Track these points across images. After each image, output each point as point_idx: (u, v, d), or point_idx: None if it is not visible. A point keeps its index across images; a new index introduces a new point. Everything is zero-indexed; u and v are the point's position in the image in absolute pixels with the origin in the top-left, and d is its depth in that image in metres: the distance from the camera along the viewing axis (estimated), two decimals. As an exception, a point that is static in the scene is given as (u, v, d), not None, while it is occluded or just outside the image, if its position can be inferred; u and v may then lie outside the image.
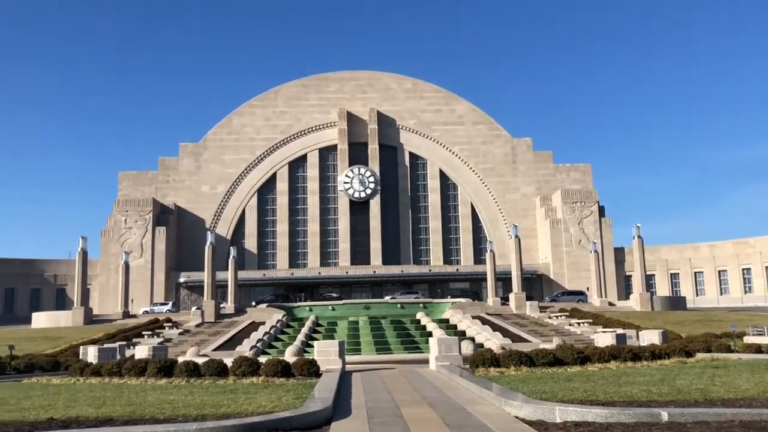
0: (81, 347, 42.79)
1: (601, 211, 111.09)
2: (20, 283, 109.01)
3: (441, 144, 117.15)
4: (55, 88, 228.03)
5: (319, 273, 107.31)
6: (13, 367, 33.03)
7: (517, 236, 79.23)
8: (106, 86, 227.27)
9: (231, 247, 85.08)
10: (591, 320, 58.67)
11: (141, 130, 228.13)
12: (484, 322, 56.76)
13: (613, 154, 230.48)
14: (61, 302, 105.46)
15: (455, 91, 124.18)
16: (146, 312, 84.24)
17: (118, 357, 34.84)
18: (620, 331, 42.83)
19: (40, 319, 76.75)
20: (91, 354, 35.71)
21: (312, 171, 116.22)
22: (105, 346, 39.51)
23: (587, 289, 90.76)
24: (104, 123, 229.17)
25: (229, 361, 26.05)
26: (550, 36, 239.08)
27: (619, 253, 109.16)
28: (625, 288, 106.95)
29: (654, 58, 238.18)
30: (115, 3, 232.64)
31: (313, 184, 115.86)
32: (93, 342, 48.51)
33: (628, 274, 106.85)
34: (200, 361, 26.64)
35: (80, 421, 14.62)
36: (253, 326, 58.61)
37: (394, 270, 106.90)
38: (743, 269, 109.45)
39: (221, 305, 74.15)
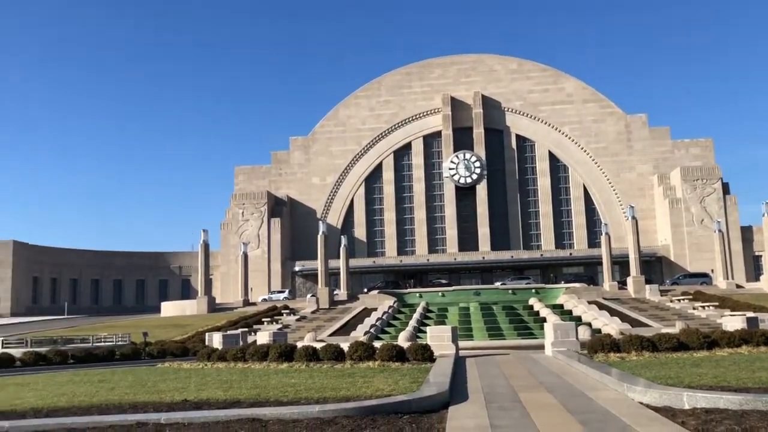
0: (206, 334, 45.21)
1: (725, 188, 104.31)
2: (149, 275, 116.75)
3: (549, 125, 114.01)
4: (174, 93, 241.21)
5: (428, 260, 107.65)
6: (147, 353, 35.47)
7: (633, 217, 76.02)
8: (221, 87, 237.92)
9: (342, 236, 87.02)
10: (717, 303, 55.48)
11: (254, 127, 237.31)
12: (601, 307, 55.03)
13: (737, 127, 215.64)
14: (186, 292, 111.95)
15: (563, 69, 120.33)
16: (265, 300, 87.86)
17: (241, 343, 36.54)
18: (751, 314, 40.22)
19: (168, 308, 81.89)
20: (216, 340, 37.66)
21: (417, 159, 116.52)
22: (228, 332, 41.56)
23: (711, 270, 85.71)
24: (220, 122, 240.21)
25: (345, 346, 26.70)
26: (662, 6, 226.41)
27: (747, 232, 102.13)
28: (754, 269, 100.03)
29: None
30: (223, 2, 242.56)
31: (418, 172, 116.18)
32: (217, 329, 51.13)
33: (757, 254, 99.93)
34: (318, 346, 27.47)
35: (211, 402, 15.50)
36: (366, 312, 59.83)
37: (504, 256, 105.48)
38: None
39: (334, 292, 76.11)
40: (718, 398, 12.97)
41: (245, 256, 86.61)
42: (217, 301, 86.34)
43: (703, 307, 54.87)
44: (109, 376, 23.45)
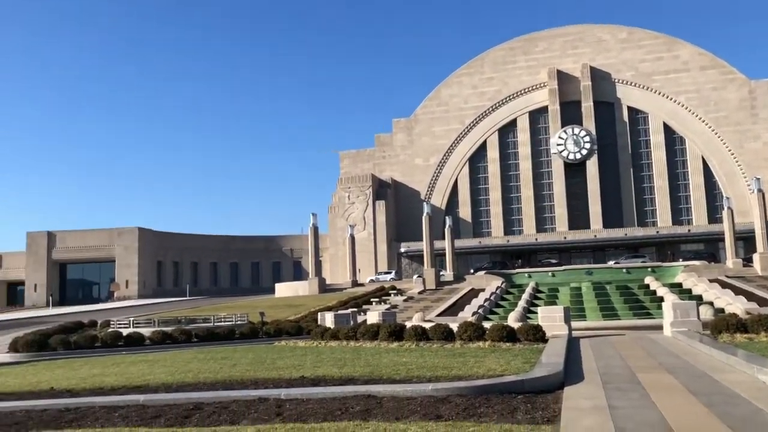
0: (319, 314, 46.60)
1: None
2: (263, 258, 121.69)
3: (663, 95, 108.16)
4: (281, 81, 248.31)
5: (536, 239, 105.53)
6: (264, 332, 37.03)
7: (760, 190, 70.99)
8: (324, 74, 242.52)
9: (446, 217, 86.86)
10: None
11: (358, 112, 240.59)
12: (724, 285, 51.98)
13: None
14: (298, 273, 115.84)
15: (676, 35, 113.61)
16: (372, 281, 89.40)
17: (351, 322, 37.42)
18: None
19: (282, 289, 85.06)
20: (328, 319, 38.76)
21: (522, 135, 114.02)
22: (339, 312, 42.63)
23: None
24: (325, 108, 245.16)
25: (454, 326, 26.72)
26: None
27: None
28: None
29: None
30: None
31: (524, 149, 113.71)
32: (328, 309, 52.56)
33: None
34: (427, 325, 27.66)
35: (327, 379, 16.01)
36: (473, 293, 59.50)
37: (617, 233, 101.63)
38: None
39: (441, 273, 76.20)
40: None
41: (352, 239, 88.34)
42: (327, 282, 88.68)
43: (842, 285, 50.63)
44: (231, 353, 24.69)
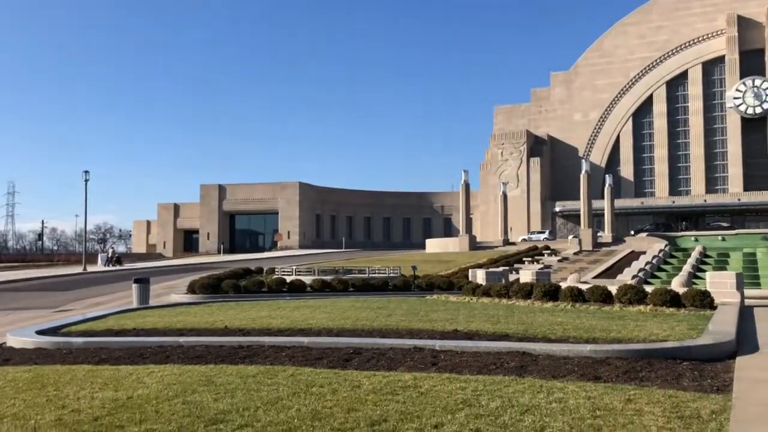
0: (470, 270, 46.62)
1: None
2: (414, 214, 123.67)
3: None
4: (434, 30, 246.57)
5: (705, 200, 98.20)
6: (416, 285, 37.82)
7: None
8: (480, 26, 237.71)
9: (606, 175, 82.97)
10: None
11: (514, 65, 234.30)
12: None
13: None
14: (448, 230, 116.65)
15: None
16: (524, 240, 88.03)
17: (504, 280, 37.13)
18: None
19: (432, 245, 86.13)
20: (479, 276, 38.72)
21: (694, 89, 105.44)
22: (490, 270, 42.41)
23: None
24: (481, 60, 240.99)
25: (613, 289, 25.71)
26: None
27: None
28: None
29: None
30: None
31: (695, 104, 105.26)
32: (479, 266, 52.49)
33: None
34: (583, 287, 26.85)
35: (480, 334, 16.08)
36: (633, 255, 56.87)
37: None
38: None
39: (598, 234, 73.41)
40: None
41: (504, 196, 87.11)
42: (478, 240, 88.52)
43: None
44: (386, 303, 25.50)
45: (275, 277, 39.36)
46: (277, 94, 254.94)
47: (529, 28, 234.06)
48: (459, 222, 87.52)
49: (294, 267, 43.22)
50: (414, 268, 42.58)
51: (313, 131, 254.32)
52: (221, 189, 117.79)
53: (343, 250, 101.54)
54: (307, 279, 37.26)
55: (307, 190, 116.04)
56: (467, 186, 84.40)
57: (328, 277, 37.36)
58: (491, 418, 8.24)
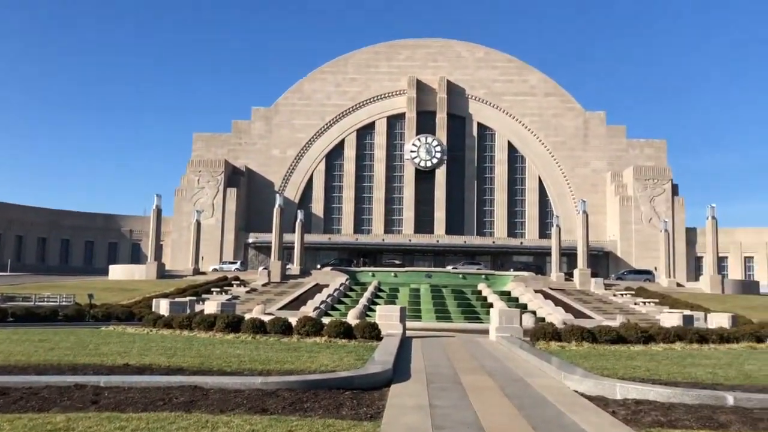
0: (154, 300, 44.67)
1: (674, 190, 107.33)
2: (99, 237, 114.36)
3: (511, 115, 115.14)
4: (138, 49, 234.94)
5: (383, 240, 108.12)
6: (91, 315, 34.93)
7: (584, 212, 77.61)
8: (184, 49, 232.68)
9: (298, 210, 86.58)
10: (657, 300, 57.27)
11: (217, 94, 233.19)
12: (547, 296, 56.22)
13: (690, 130, 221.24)
14: (136, 256, 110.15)
15: (528, 61, 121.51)
16: (215, 270, 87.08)
17: (189, 311, 36.28)
18: (687, 312, 41.69)
19: (116, 271, 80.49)
20: (163, 307, 37.31)
21: (380, 138, 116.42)
22: (176, 300, 41.17)
23: (655, 268, 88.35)
24: (182, 85, 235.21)
25: (293, 320, 26.78)
26: (626, 7, 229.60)
27: (691, 234, 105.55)
28: (695, 269, 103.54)
29: (735, 31, 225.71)
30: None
31: (380, 152, 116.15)
32: (165, 295, 50.55)
33: (699, 255, 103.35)
34: (266, 318, 27.49)
35: (153, 368, 15.43)
36: (317, 288, 59.84)
37: (458, 240, 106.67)
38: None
39: (287, 266, 75.88)
40: (649, 390, 13.52)
41: (198, 224, 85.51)
42: (167, 268, 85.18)
43: (645, 303, 56.56)
44: (50, 336, 23.05)
45: None
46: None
47: (237, 61, 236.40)
48: (149, 248, 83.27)
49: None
50: (90, 296, 39.30)
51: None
52: None
53: (7, 273, 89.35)
54: (-46, 307, 31.99)
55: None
56: (159, 211, 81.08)
57: (-19, 305, 32.52)
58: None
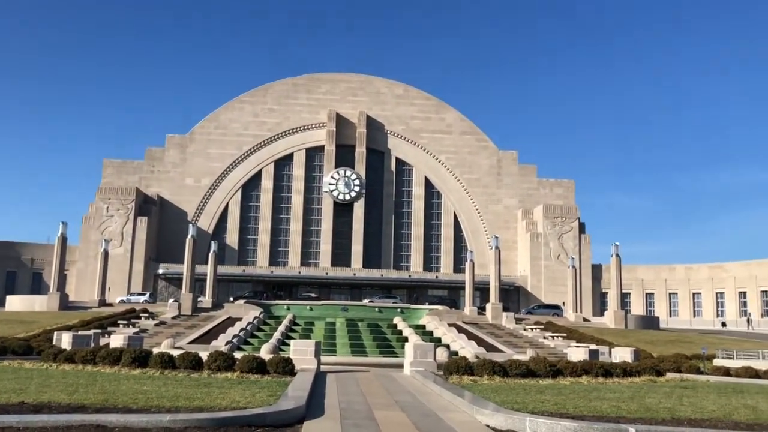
0: (55, 333, 42.42)
1: (581, 228, 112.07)
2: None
3: (428, 152, 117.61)
4: (41, 71, 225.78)
5: (299, 272, 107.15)
6: (-16, 349, 32.68)
7: (497, 247, 79.72)
8: (94, 73, 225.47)
9: (212, 241, 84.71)
10: (565, 334, 59.20)
11: (129, 120, 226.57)
12: (460, 330, 57.08)
13: (597, 171, 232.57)
14: (37, 287, 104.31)
15: (445, 99, 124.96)
16: (123, 301, 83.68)
17: (93, 345, 34.62)
18: (593, 346, 43.33)
19: (14, 302, 75.98)
20: (65, 340, 35.47)
21: (298, 170, 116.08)
22: (79, 333, 39.23)
23: (563, 303, 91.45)
24: (92, 109, 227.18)
25: (204, 355, 26.04)
26: (541, 49, 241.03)
27: (597, 270, 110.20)
28: (600, 305, 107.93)
29: (644, 78, 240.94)
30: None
31: (298, 184, 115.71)
32: (67, 328, 48.08)
33: (604, 291, 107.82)
34: (175, 353, 26.60)
35: (52, 406, 14.61)
36: (230, 322, 58.50)
37: (374, 274, 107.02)
38: (717, 293, 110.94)
39: (199, 299, 73.87)
40: (557, 425, 13.93)
41: (105, 254, 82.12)
42: (71, 299, 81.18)
43: (553, 336, 58.39)
44: (-64, 372, 21.44)
45: None
46: None
47: (152, 86, 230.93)
48: (51, 278, 79.08)
49: None
50: (-16, 329, 36.83)
51: None
52: None
53: None
54: None
55: None
56: (65, 239, 77.37)
57: None
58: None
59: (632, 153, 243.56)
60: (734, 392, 23.47)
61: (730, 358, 42.55)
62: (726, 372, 34.10)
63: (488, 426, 14.70)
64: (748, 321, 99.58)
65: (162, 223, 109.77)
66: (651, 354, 46.32)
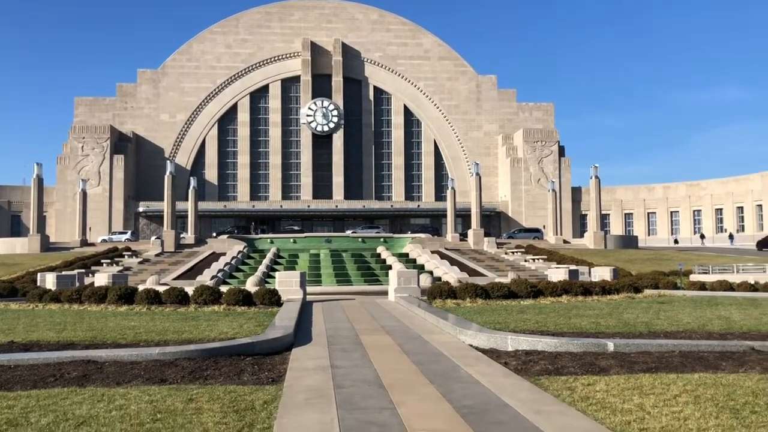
0: (38, 274, 42.44)
1: (561, 151, 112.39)
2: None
3: (406, 79, 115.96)
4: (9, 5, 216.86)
5: (281, 206, 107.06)
6: (-32, 293, 32.68)
7: (478, 174, 79.95)
8: (61, 7, 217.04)
9: (191, 178, 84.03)
10: (546, 256, 60.29)
11: (99, 54, 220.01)
12: (443, 256, 57.86)
13: (576, 93, 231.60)
14: (17, 229, 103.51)
15: (422, 23, 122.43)
16: (104, 240, 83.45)
17: (77, 284, 34.68)
18: (573, 267, 44.19)
19: (-6, 246, 75.50)
20: (49, 281, 35.50)
21: (274, 102, 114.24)
22: (63, 273, 39.24)
23: (543, 226, 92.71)
24: (60, 45, 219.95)
25: (190, 290, 26.24)
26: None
27: (577, 193, 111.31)
28: (580, 226, 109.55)
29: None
30: None
31: (275, 116, 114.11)
32: (51, 269, 48.10)
33: (584, 212, 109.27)
34: (161, 289, 26.77)
35: (41, 344, 14.75)
36: (214, 257, 58.75)
37: (356, 205, 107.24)
38: (694, 210, 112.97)
39: (181, 235, 73.83)
40: (538, 341, 14.35)
41: (84, 194, 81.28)
42: (52, 240, 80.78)
43: (534, 259, 59.47)
44: None
45: None
46: None
47: (119, 19, 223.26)
48: (30, 220, 78.41)
49: None
50: (-34, 273, 36.72)
51: None
52: None
53: None
54: None
55: None
56: (41, 180, 76.34)
57: None
58: (41, 437, 7.65)
59: (610, 74, 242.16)
60: (709, 305, 24.24)
61: (705, 273, 43.77)
62: (702, 286, 35.14)
63: (471, 345, 15.10)
64: (702, 237, 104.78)
65: (139, 161, 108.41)
66: (630, 272, 47.48)
